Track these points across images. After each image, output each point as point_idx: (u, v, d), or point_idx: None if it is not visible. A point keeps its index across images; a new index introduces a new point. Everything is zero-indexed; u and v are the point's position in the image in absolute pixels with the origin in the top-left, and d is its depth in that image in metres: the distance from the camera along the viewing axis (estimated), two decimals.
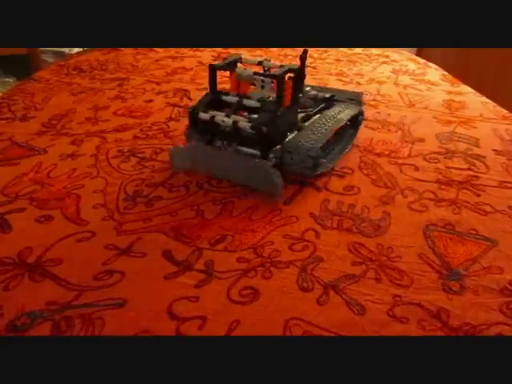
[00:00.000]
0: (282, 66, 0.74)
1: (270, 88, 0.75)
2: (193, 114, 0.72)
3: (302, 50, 0.80)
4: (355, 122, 0.90)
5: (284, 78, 0.71)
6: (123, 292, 0.54)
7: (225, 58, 0.78)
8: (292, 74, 0.73)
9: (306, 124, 0.79)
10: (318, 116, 0.83)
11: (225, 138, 0.73)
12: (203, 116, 0.72)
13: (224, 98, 0.75)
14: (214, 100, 0.75)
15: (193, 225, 0.66)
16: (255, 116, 0.71)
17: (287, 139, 0.75)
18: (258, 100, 0.73)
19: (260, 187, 0.72)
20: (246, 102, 0.73)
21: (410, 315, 0.53)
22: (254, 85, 0.77)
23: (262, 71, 0.77)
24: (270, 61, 0.79)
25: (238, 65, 0.78)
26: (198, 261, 0.59)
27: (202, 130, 0.74)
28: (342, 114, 0.84)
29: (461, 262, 0.61)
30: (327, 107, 0.86)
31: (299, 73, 0.76)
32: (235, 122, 0.70)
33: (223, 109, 0.74)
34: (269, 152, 0.72)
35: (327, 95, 0.88)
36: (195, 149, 0.76)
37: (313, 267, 0.59)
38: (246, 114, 0.73)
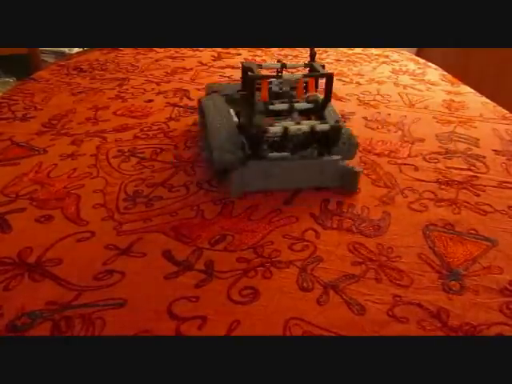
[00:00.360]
0: (306, 65, 0.77)
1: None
2: (261, 131, 0.68)
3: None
4: None
5: (333, 75, 0.73)
6: (123, 292, 0.54)
7: (245, 67, 0.75)
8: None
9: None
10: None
11: (281, 148, 0.71)
12: (275, 130, 0.68)
13: (272, 107, 0.72)
14: (261, 112, 0.72)
15: (193, 225, 0.66)
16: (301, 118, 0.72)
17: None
18: (308, 101, 0.73)
19: (331, 183, 0.74)
20: (298, 106, 0.73)
21: (409, 315, 0.53)
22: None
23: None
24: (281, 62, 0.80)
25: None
26: (198, 261, 0.59)
27: (256, 146, 0.71)
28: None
29: (461, 261, 0.61)
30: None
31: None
32: (313, 127, 0.69)
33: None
34: (334, 147, 0.73)
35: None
36: (255, 168, 0.71)
37: (313, 267, 0.59)
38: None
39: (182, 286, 0.56)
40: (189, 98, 1.11)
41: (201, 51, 1.50)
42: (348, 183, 0.74)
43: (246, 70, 0.75)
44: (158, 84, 1.20)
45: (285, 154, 0.72)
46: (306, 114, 0.74)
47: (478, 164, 0.84)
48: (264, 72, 0.78)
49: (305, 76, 0.74)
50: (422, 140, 0.93)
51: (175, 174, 0.78)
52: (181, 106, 1.06)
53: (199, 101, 0.87)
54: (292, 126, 0.69)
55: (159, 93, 1.14)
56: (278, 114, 0.73)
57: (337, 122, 0.71)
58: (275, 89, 0.82)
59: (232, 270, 0.58)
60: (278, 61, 0.82)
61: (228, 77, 1.26)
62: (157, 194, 0.73)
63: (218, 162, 0.72)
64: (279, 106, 0.73)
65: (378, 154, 0.86)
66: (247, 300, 0.54)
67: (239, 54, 1.47)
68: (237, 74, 1.28)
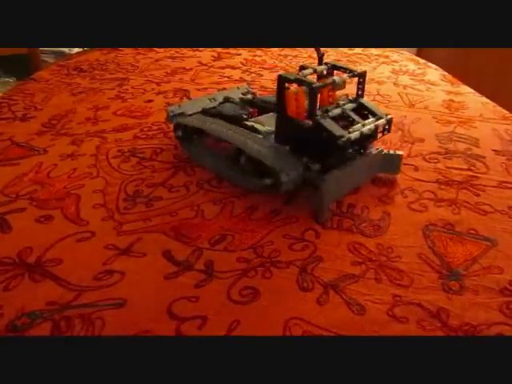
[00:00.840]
0: (335, 66, 0.76)
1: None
2: (347, 143, 0.65)
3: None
4: None
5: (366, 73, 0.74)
6: (123, 292, 0.54)
7: (290, 82, 0.70)
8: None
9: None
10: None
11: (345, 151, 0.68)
12: (354, 136, 0.66)
13: (331, 113, 0.69)
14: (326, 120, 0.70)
15: (193, 225, 0.66)
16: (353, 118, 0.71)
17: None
18: (351, 101, 0.73)
19: (384, 170, 0.77)
20: (346, 107, 0.72)
21: (409, 315, 0.53)
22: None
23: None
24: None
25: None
26: (198, 261, 0.59)
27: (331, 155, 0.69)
28: None
29: (460, 261, 0.61)
30: None
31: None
32: (376, 124, 0.70)
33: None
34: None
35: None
36: (334, 181, 0.68)
37: (313, 267, 0.59)
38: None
39: (181, 286, 0.56)
40: (189, 98, 1.11)
41: (201, 51, 1.50)
42: (392, 167, 0.77)
43: (287, 81, 0.70)
44: (158, 84, 1.20)
45: (347, 156, 0.69)
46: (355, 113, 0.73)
47: (477, 164, 0.84)
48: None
49: (350, 76, 0.74)
50: (421, 140, 0.93)
51: (175, 174, 0.78)
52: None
53: (177, 125, 0.83)
54: (363, 128, 0.68)
55: (159, 93, 1.14)
56: (336, 119, 0.70)
57: (386, 114, 0.72)
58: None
59: (232, 270, 0.58)
60: (302, 67, 0.77)
61: (228, 77, 1.26)
62: (157, 194, 0.73)
63: (286, 184, 0.67)
64: (335, 111, 0.70)
65: None
66: (247, 300, 0.54)
67: (239, 54, 1.47)
68: (237, 74, 1.28)
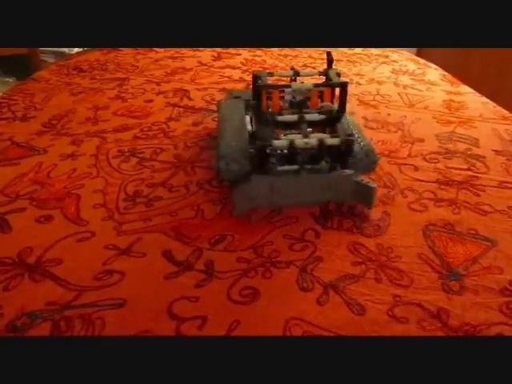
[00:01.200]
0: (321, 73, 0.73)
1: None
2: (264, 145, 0.64)
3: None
4: None
5: (347, 84, 0.69)
6: (123, 292, 0.54)
7: (255, 76, 0.71)
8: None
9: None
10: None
11: (290, 161, 0.67)
12: (279, 143, 0.65)
13: (280, 118, 0.69)
14: (268, 123, 0.69)
15: (193, 225, 0.66)
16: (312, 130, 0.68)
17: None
18: (321, 113, 0.70)
19: (342, 199, 0.70)
20: (308, 117, 0.69)
21: (409, 315, 0.53)
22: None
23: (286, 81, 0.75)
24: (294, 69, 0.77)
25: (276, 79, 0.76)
26: (198, 261, 0.59)
27: (263, 160, 0.66)
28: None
29: (460, 261, 0.61)
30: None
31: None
32: (321, 141, 0.65)
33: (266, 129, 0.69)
34: (347, 162, 0.68)
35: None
36: (260, 183, 0.67)
37: (313, 267, 0.59)
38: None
39: (181, 286, 0.56)
40: (189, 98, 1.11)
41: (201, 51, 1.50)
42: (362, 199, 0.69)
43: (255, 78, 0.71)
44: (157, 84, 1.20)
45: (293, 167, 0.67)
46: (319, 125, 0.70)
47: (477, 164, 0.84)
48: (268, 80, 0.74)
49: (316, 86, 0.70)
50: (421, 140, 0.93)
51: (175, 174, 0.78)
52: (181, 106, 1.06)
53: (218, 103, 0.85)
54: (299, 140, 0.65)
55: (159, 93, 1.14)
56: (289, 126, 0.69)
57: (349, 135, 0.67)
58: (288, 98, 0.76)
59: (232, 270, 0.58)
60: (292, 68, 0.79)
61: (228, 77, 1.26)
62: (157, 194, 0.73)
63: (222, 172, 0.68)
64: (288, 117, 0.69)
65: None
66: (247, 300, 0.54)
67: (239, 54, 1.47)
68: (237, 74, 1.28)
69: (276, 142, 0.65)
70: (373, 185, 0.68)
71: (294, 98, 0.73)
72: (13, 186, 0.74)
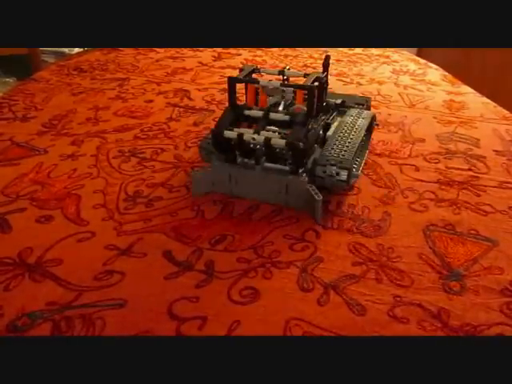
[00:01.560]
0: (306, 75, 0.71)
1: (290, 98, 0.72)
2: (217, 133, 0.67)
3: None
4: (369, 127, 0.85)
5: (315, 88, 0.67)
6: (123, 292, 0.54)
7: (241, 69, 0.73)
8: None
9: (330, 134, 0.75)
10: (336, 124, 0.78)
11: (250, 155, 0.69)
12: (229, 134, 0.67)
13: (247, 112, 0.70)
14: (236, 115, 0.70)
15: (193, 225, 0.66)
16: (283, 131, 0.68)
17: (316, 152, 0.72)
18: (287, 113, 0.69)
19: (295, 205, 0.69)
20: (272, 115, 0.69)
21: (410, 315, 0.53)
22: (271, 96, 0.73)
23: (280, 80, 0.74)
24: (289, 69, 0.77)
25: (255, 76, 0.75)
26: (199, 261, 0.59)
27: (224, 148, 0.69)
28: (359, 121, 0.80)
29: (461, 262, 0.61)
30: (339, 114, 0.83)
31: (324, 81, 0.72)
32: (267, 139, 0.65)
33: (241, 124, 0.70)
34: (300, 167, 0.68)
35: (338, 101, 0.83)
36: (219, 170, 0.71)
37: (313, 267, 0.59)
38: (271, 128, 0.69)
39: (182, 286, 0.56)
40: (189, 99, 1.11)
41: (201, 51, 1.50)
42: (309, 210, 0.68)
43: (239, 71, 0.73)
44: (158, 84, 1.20)
45: (249, 161, 0.69)
46: (284, 126, 0.69)
47: (478, 164, 0.84)
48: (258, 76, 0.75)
49: (282, 85, 0.69)
50: (422, 140, 0.93)
51: (175, 174, 0.78)
52: (181, 107, 1.06)
53: None
54: (247, 135, 0.66)
55: (159, 93, 1.14)
56: (255, 121, 0.69)
57: (298, 139, 0.64)
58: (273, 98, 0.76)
59: (232, 271, 0.58)
60: (282, 69, 0.77)
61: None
62: (157, 195, 0.73)
63: (200, 151, 0.76)
64: (255, 112, 0.69)
65: (378, 155, 0.86)
66: (247, 300, 0.54)
67: (239, 54, 1.47)
68: (237, 75, 1.28)
69: (226, 133, 0.67)
70: (319, 197, 0.65)
71: (283, 97, 0.73)
72: (13, 186, 0.74)
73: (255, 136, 0.66)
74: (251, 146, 0.68)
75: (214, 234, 0.64)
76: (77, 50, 1.77)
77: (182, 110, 1.05)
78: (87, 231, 0.64)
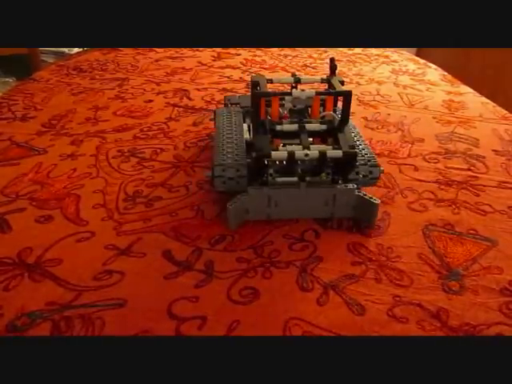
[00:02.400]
0: (324, 80, 0.70)
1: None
2: (263, 156, 0.61)
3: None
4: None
5: (351, 93, 0.65)
6: (123, 292, 0.54)
7: (255, 82, 0.67)
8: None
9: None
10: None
11: (291, 173, 0.64)
12: (278, 155, 0.61)
13: (279, 127, 0.65)
14: (268, 133, 0.65)
15: (193, 225, 0.66)
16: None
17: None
18: (322, 122, 0.66)
19: (344, 214, 0.67)
20: (309, 127, 0.66)
21: (409, 315, 0.53)
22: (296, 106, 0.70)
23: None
24: (297, 76, 0.74)
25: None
26: (198, 261, 0.59)
27: (261, 171, 0.63)
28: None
29: (460, 262, 0.61)
30: None
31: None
32: (323, 153, 0.61)
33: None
34: (349, 175, 0.66)
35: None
36: (256, 196, 0.64)
37: (313, 267, 0.59)
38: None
39: (181, 286, 0.56)
40: (189, 98, 1.11)
41: (201, 51, 1.50)
42: (363, 216, 0.66)
43: (253, 84, 0.67)
44: (157, 84, 1.20)
45: (292, 179, 0.64)
46: (320, 136, 0.67)
47: (477, 164, 0.84)
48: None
49: (318, 94, 0.66)
50: (421, 140, 0.93)
51: (175, 174, 0.79)
52: (181, 107, 1.06)
53: (215, 112, 0.83)
54: (299, 152, 0.61)
55: (159, 93, 1.14)
56: (289, 136, 0.66)
57: (351, 147, 0.63)
58: (288, 106, 0.71)
59: (232, 270, 0.58)
60: (293, 75, 0.75)
61: (228, 77, 1.26)
62: (157, 194, 0.73)
63: (217, 182, 0.65)
64: (288, 126, 0.65)
65: (377, 154, 0.86)
66: (247, 300, 0.54)
67: (239, 54, 1.47)
68: (237, 75, 1.28)
69: (274, 154, 0.61)
70: (376, 201, 0.65)
71: (294, 105, 0.70)
72: (13, 186, 0.74)
73: (308, 152, 0.61)
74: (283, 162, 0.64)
75: (214, 233, 0.64)
76: (76, 49, 1.77)
77: (181, 109, 1.05)
78: (87, 231, 0.64)
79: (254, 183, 0.64)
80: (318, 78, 0.73)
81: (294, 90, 0.67)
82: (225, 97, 0.91)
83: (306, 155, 0.61)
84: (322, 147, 0.63)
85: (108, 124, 0.97)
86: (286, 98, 0.68)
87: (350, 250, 0.62)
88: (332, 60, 0.74)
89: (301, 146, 0.63)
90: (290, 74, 0.77)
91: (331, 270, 0.59)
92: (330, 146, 0.64)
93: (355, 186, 0.65)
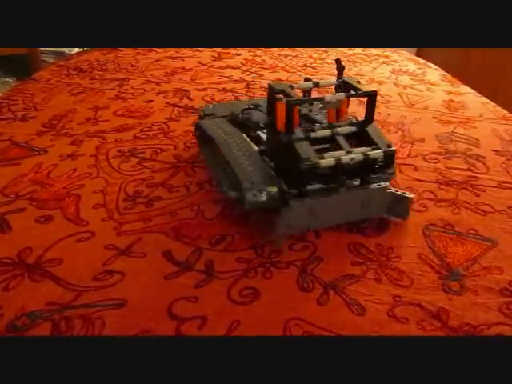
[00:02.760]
0: (339, 80, 0.69)
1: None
2: (312, 166, 0.58)
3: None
4: None
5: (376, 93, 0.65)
6: (123, 292, 0.54)
7: (277, 91, 0.64)
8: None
9: None
10: None
11: (330, 179, 0.62)
12: (326, 163, 0.59)
13: (314, 134, 0.62)
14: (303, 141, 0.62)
15: (193, 225, 0.66)
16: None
17: None
18: (351, 124, 0.65)
19: (378, 213, 0.67)
20: (341, 130, 0.64)
21: (409, 315, 0.53)
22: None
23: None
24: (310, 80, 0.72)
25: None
26: (198, 261, 0.59)
27: (303, 182, 0.61)
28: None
29: (460, 262, 0.61)
30: None
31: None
32: (367, 156, 0.61)
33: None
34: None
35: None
36: (298, 209, 0.61)
37: (313, 267, 0.59)
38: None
39: (181, 286, 0.56)
40: (189, 98, 1.11)
41: (201, 51, 1.50)
42: (397, 211, 0.67)
43: (275, 92, 0.64)
44: (157, 84, 1.20)
45: (331, 186, 0.62)
46: (351, 138, 0.65)
47: (477, 164, 0.84)
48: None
49: (348, 96, 0.65)
50: (421, 140, 0.93)
51: (175, 174, 0.78)
52: (181, 107, 1.06)
53: (197, 125, 0.81)
54: (344, 157, 0.60)
55: (159, 93, 1.14)
56: (323, 142, 0.64)
57: (389, 146, 0.62)
58: (305, 111, 0.69)
59: (232, 271, 0.58)
60: (307, 79, 0.72)
61: (228, 77, 1.26)
62: (157, 195, 0.73)
63: (250, 203, 0.61)
64: (321, 132, 0.63)
65: None
66: (247, 300, 0.54)
67: (239, 54, 1.47)
68: (237, 75, 1.28)
69: (323, 162, 0.59)
70: (410, 195, 0.66)
71: (310, 110, 0.68)
72: (13, 186, 0.74)
73: (353, 156, 0.60)
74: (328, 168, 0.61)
75: (214, 233, 0.64)
76: (76, 50, 1.77)
77: (181, 109, 1.05)
78: (87, 231, 0.64)
79: (287, 195, 0.62)
80: (333, 80, 0.71)
81: (326, 94, 0.65)
82: (199, 109, 0.89)
83: (352, 159, 0.60)
84: (363, 149, 0.62)
85: (108, 124, 0.97)
86: (315, 103, 0.65)
87: (351, 250, 0.62)
88: (338, 62, 0.73)
89: (343, 151, 0.61)
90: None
91: (331, 270, 0.59)
92: (369, 147, 0.63)
93: (387, 183, 0.65)
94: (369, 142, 0.63)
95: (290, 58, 1.45)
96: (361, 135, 0.65)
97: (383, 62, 1.44)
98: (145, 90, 1.16)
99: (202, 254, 0.61)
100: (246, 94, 1.14)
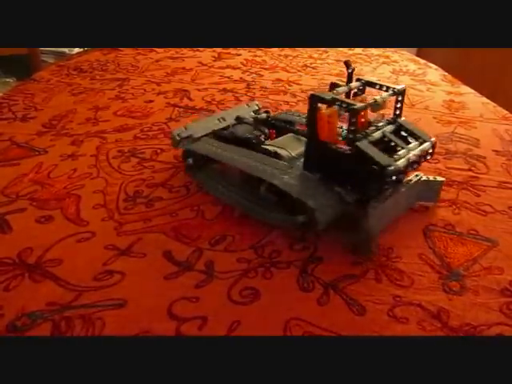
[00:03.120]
0: (358, 80, 0.70)
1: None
2: (397, 167, 0.57)
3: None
4: None
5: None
6: (123, 292, 0.54)
7: (330, 100, 0.61)
8: None
9: None
10: None
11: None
12: (401, 163, 0.59)
13: (371, 138, 0.61)
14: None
15: (193, 225, 0.66)
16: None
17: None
18: (390, 122, 0.65)
19: (419, 201, 0.70)
20: (386, 129, 0.63)
21: (410, 315, 0.53)
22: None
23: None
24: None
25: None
26: (199, 261, 0.59)
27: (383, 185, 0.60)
28: None
29: (461, 262, 0.61)
30: None
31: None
32: (422, 150, 0.62)
33: None
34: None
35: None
36: (380, 211, 0.61)
37: (313, 267, 0.59)
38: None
39: (182, 286, 0.56)
40: (189, 99, 1.11)
41: (201, 51, 1.50)
42: (429, 196, 0.70)
43: (322, 101, 0.61)
44: (158, 84, 1.20)
45: (396, 184, 0.62)
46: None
47: (478, 164, 0.84)
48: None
49: (391, 95, 0.65)
50: None
51: (175, 174, 0.78)
52: (181, 107, 1.06)
53: (188, 152, 0.76)
54: (410, 155, 0.60)
55: (159, 93, 1.14)
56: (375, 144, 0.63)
57: (430, 136, 0.64)
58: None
59: (232, 271, 0.58)
60: (333, 84, 0.70)
61: (228, 77, 1.26)
62: (157, 195, 0.73)
63: (322, 224, 0.60)
64: (375, 135, 0.62)
65: None
66: (247, 300, 0.54)
67: (239, 55, 1.48)
68: (237, 75, 1.28)
69: (398, 163, 0.58)
70: (442, 179, 0.70)
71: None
72: (13, 186, 0.74)
73: (416, 152, 0.61)
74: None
75: (214, 234, 0.64)
76: (77, 50, 1.77)
77: (181, 110, 1.05)
78: (87, 231, 0.64)
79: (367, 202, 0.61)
80: (358, 84, 0.71)
81: (377, 97, 0.63)
82: (171, 135, 0.78)
83: (415, 155, 0.61)
84: (416, 144, 0.63)
85: (108, 124, 0.97)
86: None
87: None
88: (348, 65, 0.72)
89: (404, 150, 0.61)
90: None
91: (331, 270, 0.59)
92: (416, 143, 0.63)
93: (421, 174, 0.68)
94: (408, 136, 0.64)
95: (291, 58, 1.45)
96: (397, 131, 0.65)
97: (383, 62, 1.44)
98: (145, 90, 1.16)
99: (202, 254, 0.61)
100: (246, 94, 1.14)
